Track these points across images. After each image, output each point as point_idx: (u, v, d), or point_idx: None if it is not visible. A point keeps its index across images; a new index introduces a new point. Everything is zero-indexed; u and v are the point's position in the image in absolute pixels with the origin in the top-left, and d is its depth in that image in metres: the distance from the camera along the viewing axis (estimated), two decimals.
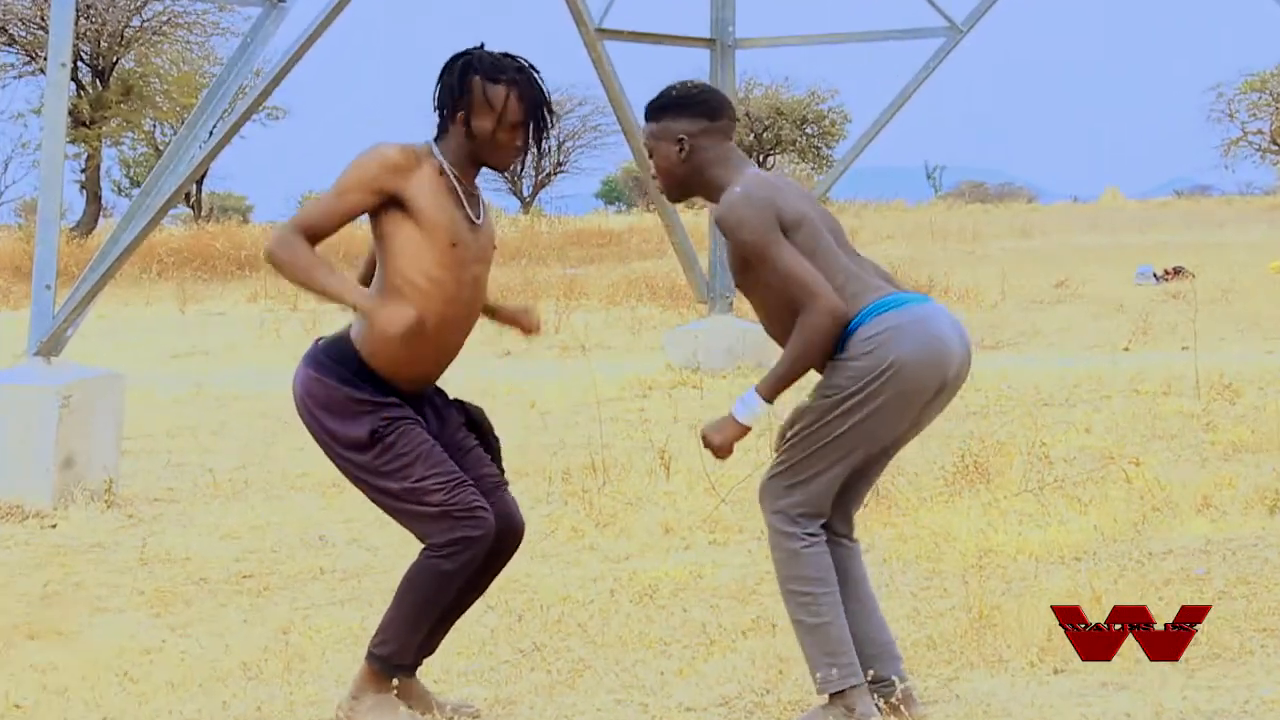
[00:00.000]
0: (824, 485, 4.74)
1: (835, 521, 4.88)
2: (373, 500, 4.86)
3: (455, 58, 4.81)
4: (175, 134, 15.33)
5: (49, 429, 9.20)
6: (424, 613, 4.80)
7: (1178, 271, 23.11)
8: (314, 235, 4.68)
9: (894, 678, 4.81)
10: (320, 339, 4.92)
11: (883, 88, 15.09)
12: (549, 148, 4.89)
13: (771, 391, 4.69)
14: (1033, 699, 5.00)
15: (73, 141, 38.04)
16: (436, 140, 4.83)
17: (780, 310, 4.72)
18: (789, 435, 4.78)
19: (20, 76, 41.01)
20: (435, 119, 4.84)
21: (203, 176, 43.51)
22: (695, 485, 8.67)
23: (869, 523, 7.50)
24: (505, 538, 4.93)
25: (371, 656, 4.86)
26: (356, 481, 4.84)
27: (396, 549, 7.80)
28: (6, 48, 40.21)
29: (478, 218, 4.83)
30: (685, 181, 4.87)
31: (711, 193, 4.83)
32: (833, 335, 4.64)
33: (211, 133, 10.06)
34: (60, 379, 9.42)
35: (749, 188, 4.72)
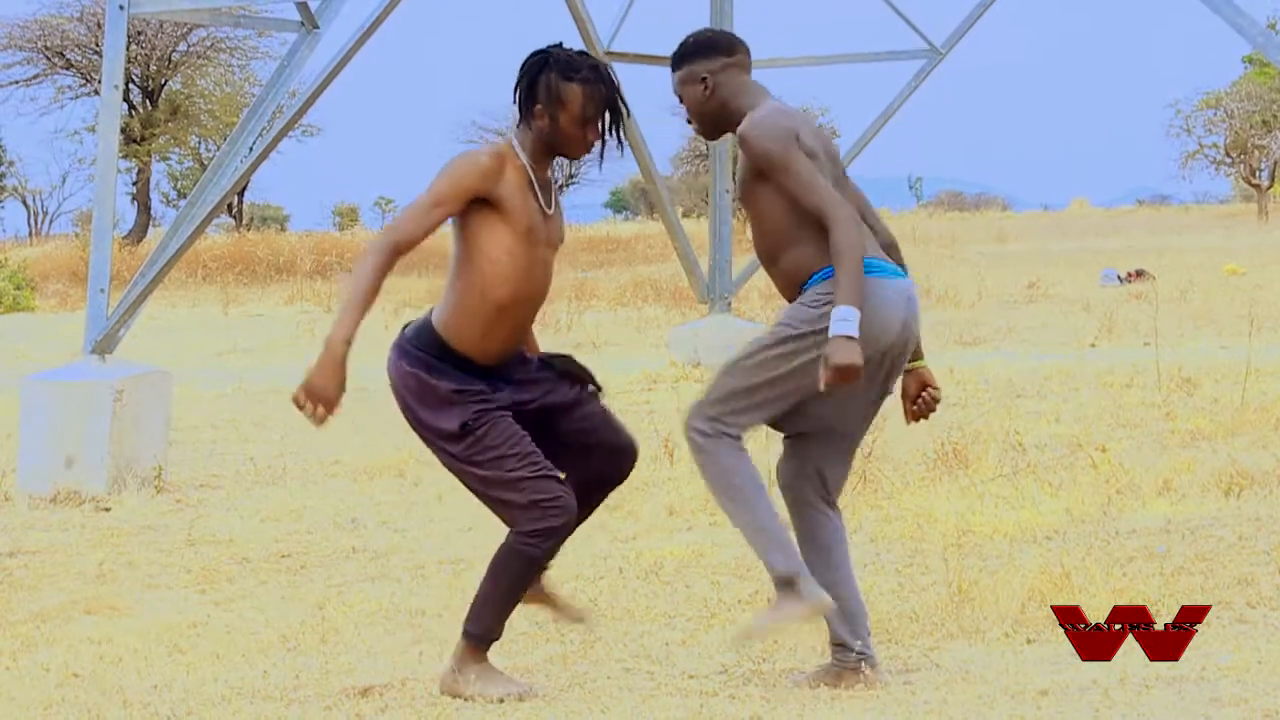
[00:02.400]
0: (749, 416, 4.64)
1: (810, 494, 4.79)
2: (466, 486, 4.76)
3: (533, 55, 4.75)
4: (218, 150, 15.29)
5: (103, 421, 9.22)
6: (513, 592, 4.74)
7: (1140, 274, 23.08)
8: (408, 244, 4.61)
9: (856, 644, 4.71)
10: (407, 325, 4.83)
11: (869, 105, 15.06)
12: (622, 138, 4.83)
13: (851, 298, 4.45)
14: (1007, 667, 4.99)
15: (125, 157, 38.07)
16: (517, 128, 4.77)
17: (780, 225, 4.63)
18: (727, 365, 4.65)
19: (77, 98, 41.14)
20: (515, 112, 4.75)
21: (244, 189, 43.51)
22: (696, 471, 8.63)
23: (857, 505, 7.49)
24: (622, 463, 4.94)
25: (468, 634, 4.77)
26: (451, 468, 4.75)
27: (422, 530, 7.80)
28: (65, 71, 40.27)
29: (549, 207, 4.77)
30: (715, 116, 4.78)
31: (739, 123, 4.71)
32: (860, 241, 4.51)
33: (251, 148, 10.05)
34: (114, 375, 9.45)
35: (771, 109, 4.66)
